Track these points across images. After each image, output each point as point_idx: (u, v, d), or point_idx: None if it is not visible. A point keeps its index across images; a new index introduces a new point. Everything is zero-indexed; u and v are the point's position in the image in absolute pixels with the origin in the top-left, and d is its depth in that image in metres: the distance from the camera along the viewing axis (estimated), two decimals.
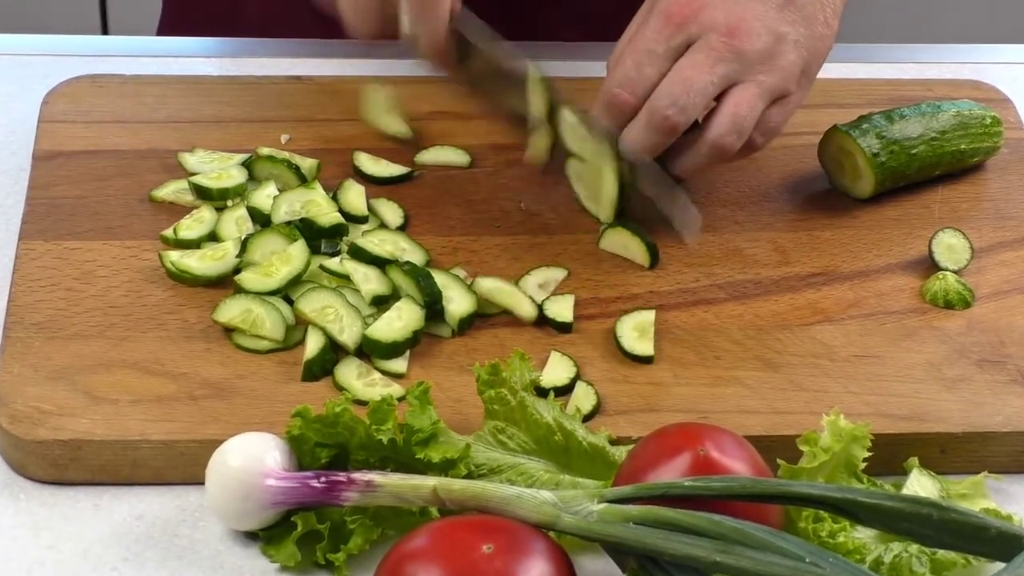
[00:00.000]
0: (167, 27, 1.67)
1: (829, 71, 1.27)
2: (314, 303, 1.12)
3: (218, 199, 1.24)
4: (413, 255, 1.19)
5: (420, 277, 1.13)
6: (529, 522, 0.93)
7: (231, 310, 1.12)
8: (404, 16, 1.23)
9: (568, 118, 1.23)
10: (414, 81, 1.41)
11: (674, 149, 1.21)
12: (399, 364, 1.11)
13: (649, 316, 1.16)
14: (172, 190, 1.25)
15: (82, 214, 1.22)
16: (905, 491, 1.02)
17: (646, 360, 1.12)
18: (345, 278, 1.15)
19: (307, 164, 1.28)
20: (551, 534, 0.93)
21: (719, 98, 1.19)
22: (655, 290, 1.19)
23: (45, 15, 2.69)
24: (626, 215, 1.23)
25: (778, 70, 1.19)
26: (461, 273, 1.19)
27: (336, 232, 1.19)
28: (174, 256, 1.17)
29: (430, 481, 0.95)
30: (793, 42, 1.19)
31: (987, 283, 1.22)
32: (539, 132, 1.25)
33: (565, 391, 1.09)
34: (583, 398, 1.08)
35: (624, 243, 1.22)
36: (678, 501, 0.92)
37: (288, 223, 1.19)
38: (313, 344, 1.10)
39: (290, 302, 1.14)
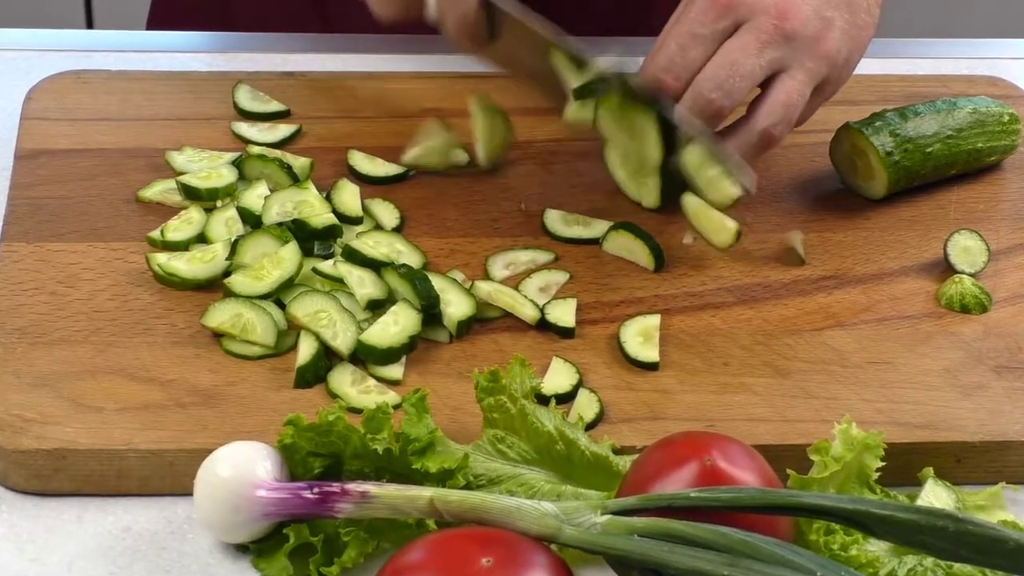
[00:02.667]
0: (155, 21, 1.67)
1: None
2: (307, 307, 1.12)
3: (207, 199, 1.24)
4: (410, 257, 1.19)
5: (416, 280, 1.13)
6: (530, 534, 0.93)
7: (221, 314, 1.12)
8: None
9: (609, 103, 1.23)
10: (409, 78, 1.41)
11: (717, 137, 1.22)
12: (395, 370, 1.11)
13: (654, 321, 1.16)
14: (159, 190, 1.25)
15: (66, 215, 1.22)
16: (919, 502, 1.02)
17: (651, 366, 1.12)
18: (339, 281, 1.15)
19: (299, 163, 1.28)
20: (552, 547, 0.93)
21: (763, 84, 1.20)
22: (660, 294, 1.19)
23: (28, 8, 2.69)
24: (671, 194, 1.24)
25: (825, 57, 1.20)
26: (459, 276, 1.19)
27: (329, 234, 1.19)
28: (162, 258, 1.17)
29: (427, 492, 0.95)
30: (840, 29, 1.21)
31: (1005, 286, 1.22)
32: (580, 106, 1.25)
33: (567, 399, 1.09)
34: (586, 406, 1.08)
35: (628, 246, 1.22)
36: (684, 513, 0.92)
37: (280, 224, 1.19)
38: (306, 350, 1.10)
39: (282, 306, 1.14)
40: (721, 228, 1.21)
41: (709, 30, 1.18)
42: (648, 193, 1.26)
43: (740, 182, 1.20)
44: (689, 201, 1.22)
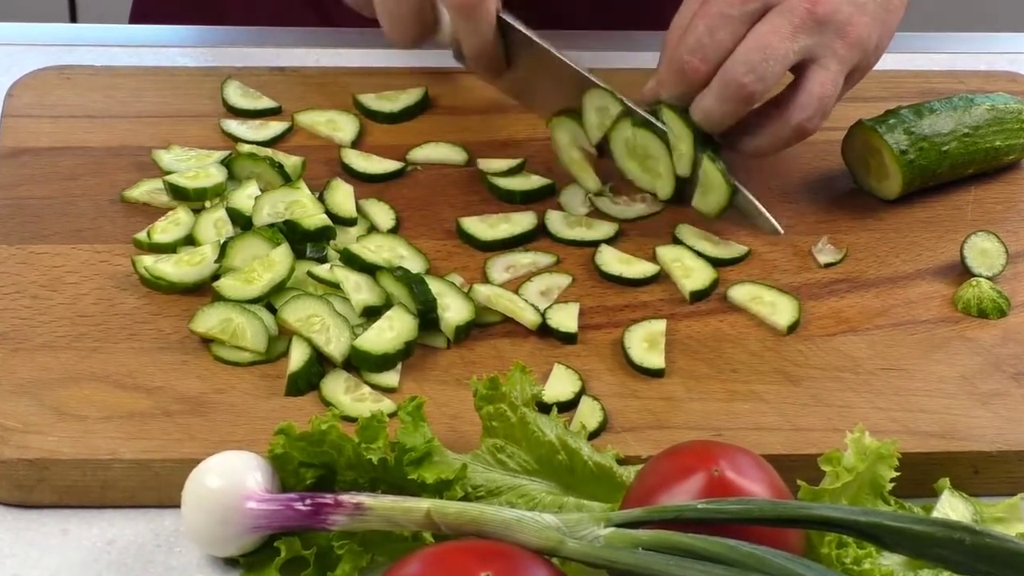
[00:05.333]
0: (140, 15, 1.68)
1: None
2: (299, 312, 1.12)
3: (195, 200, 1.24)
4: (411, 262, 1.19)
5: (413, 283, 1.13)
6: (530, 548, 0.93)
7: (209, 319, 1.12)
8: (446, 21, 1.24)
9: (625, 132, 1.25)
10: (407, 74, 1.41)
11: (747, 127, 1.22)
12: (390, 377, 1.11)
13: (660, 326, 1.16)
14: (146, 190, 1.26)
15: (49, 216, 1.22)
16: (935, 514, 1.02)
17: (656, 373, 1.12)
18: (333, 285, 1.15)
19: (291, 162, 1.28)
20: (554, 560, 0.93)
21: (794, 70, 1.21)
22: (666, 298, 1.19)
23: (9, 1, 2.69)
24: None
25: (857, 44, 1.21)
26: (457, 279, 1.19)
27: (322, 235, 1.19)
28: (148, 261, 1.17)
29: (424, 504, 0.95)
30: (871, 13, 1.22)
31: None
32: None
33: (569, 407, 1.09)
34: (588, 414, 1.08)
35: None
36: (691, 525, 0.92)
37: (271, 226, 1.19)
38: (298, 356, 1.10)
39: (273, 311, 1.14)
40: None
41: (739, 11, 1.19)
42: (663, 183, 1.26)
43: (770, 226, 1.24)
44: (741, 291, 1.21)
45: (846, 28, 1.20)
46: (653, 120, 1.23)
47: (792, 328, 1.17)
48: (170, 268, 1.16)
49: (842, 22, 1.20)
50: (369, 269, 1.16)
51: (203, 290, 1.16)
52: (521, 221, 1.24)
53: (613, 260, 1.22)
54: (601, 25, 1.54)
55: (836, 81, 1.21)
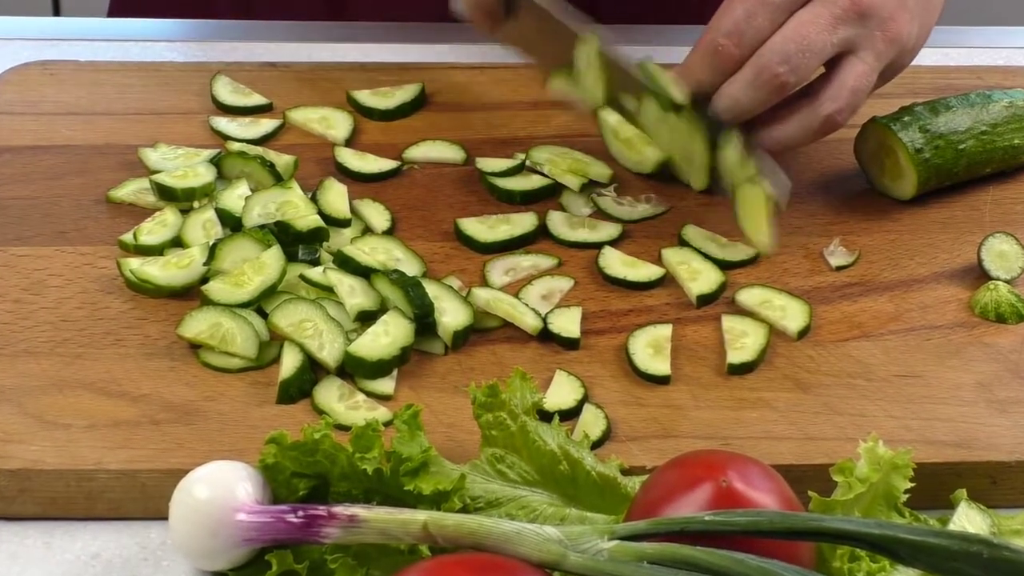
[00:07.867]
0: (124, 7, 1.68)
1: None
2: (291, 316, 1.12)
3: (183, 200, 1.24)
4: (408, 266, 1.19)
5: (409, 287, 1.13)
6: (531, 561, 0.93)
7: (198, 324, 1.12)
8: None
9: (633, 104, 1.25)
10: (402, 69, 1.42)
11: (772, 117, 1.22)
12: (386, 384, 1.11)
13: (665, 331, 1.16)
14: (132, 190, 1.26)
15: (31, 216, 1.23)
16: (951, 526, 1.02)
17: (662, 380, 1.12)
18: (327, 289, 1.15)
19: (283, 161, 1.29)
20: (556, 575, 0.93)
21: (828, 63, 1.21)
22: (672, 302, 1.20)
23: None
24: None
25: (896, 39, 1.22)
26: (455, 283, 1.19)
27: (315, 237, 1.20)
28: (134, 264, 1.17)
29: (420, 516, 0.95)
30: (911, 10, 1.22)
31: None
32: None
33: (571, 415, 1.09)
34: (591, 423, 1.08)
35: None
36: (698, 538, 0.92)
37: (262, 227, 1.19)
38: (289, 362, 1.10)
39: (264, 315, 1.14)
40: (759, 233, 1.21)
41: None
42: (697, 173, 1.26)
43: (775, 193, 1.20)
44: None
45: (888, 22, 1.20)
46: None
47: (803, 333, 1.17)
48: (157, 271, 1.16)
49: (885, 16, 1.20)
50: (364, 272, 1.16)
51: (191, 294, 1.16)
52: (521, 222, 1.25)
53: (617, 263, 1.22)
54: (636, 20, 1.54)
55: (871, 76, 1.21)
